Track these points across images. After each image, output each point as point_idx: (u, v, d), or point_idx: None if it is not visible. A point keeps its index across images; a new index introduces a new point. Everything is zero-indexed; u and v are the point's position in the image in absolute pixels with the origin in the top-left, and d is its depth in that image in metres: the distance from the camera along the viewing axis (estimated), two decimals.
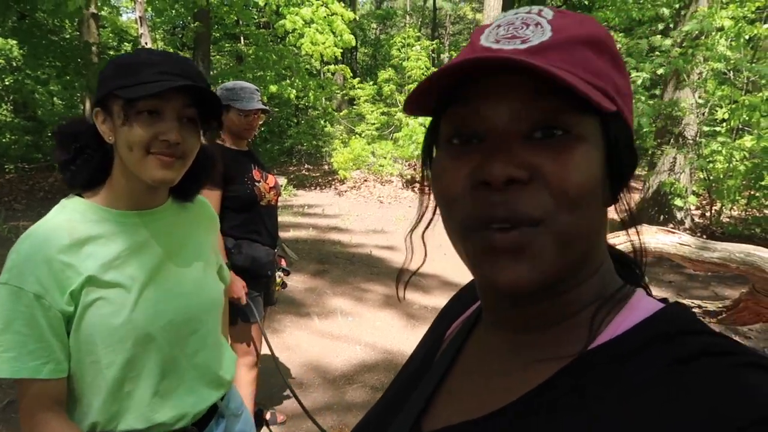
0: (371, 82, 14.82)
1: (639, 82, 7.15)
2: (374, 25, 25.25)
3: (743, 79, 7.71)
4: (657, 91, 9.06)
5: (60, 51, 11.96)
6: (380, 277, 5.77)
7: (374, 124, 13.63)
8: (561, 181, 0.44)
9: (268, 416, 2.99)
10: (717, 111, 8.00)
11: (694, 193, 8.40)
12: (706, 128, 8.22)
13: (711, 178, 8.19)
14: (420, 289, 5.36)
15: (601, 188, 0.47)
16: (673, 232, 3.96)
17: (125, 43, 17.10)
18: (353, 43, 12.00)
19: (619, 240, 3.89)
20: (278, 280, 2.74)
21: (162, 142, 1.05)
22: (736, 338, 4.18)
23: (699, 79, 7.88)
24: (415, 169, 11.83)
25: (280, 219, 2.77)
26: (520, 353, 0.52)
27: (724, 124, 7.97)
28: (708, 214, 8.79)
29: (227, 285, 1.46)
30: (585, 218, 0.46)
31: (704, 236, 7.26)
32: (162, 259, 1.16)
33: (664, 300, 0.51)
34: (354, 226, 8.55)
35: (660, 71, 7.37)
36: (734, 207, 9.01)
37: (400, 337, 4.12)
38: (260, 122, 2.64)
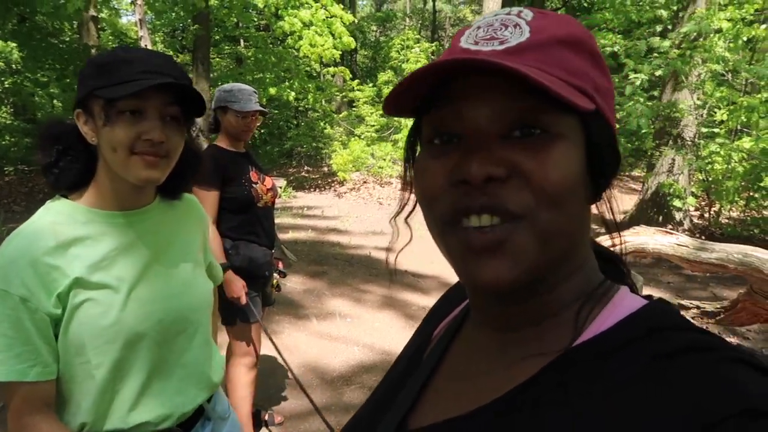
0: (371, 84, 14.85)
1: (638, 83, 7.15)
2: (374, 28, 25.28)
3: (742, 81, 7.73)
4: (656, 93, 9.07)
5: (59, 54, 11.99)
6: (379, 278, 5.77)
7: (374, 126, 13.64)
8: (540, 179, 0.45)
9: (266, 417, 2.99)
10: (715, 112, 8.01)
11: (692, 194, 8.41)
12: (704, 129, 8.23)
13: (710, 179, 8.20)
14: (418, 290, 5.37)
15: (581, 186, 0.48)
16: (671, 233, 3.97)
17: None
18: (353, 46, 12.02)
19: (617, 240, 3.89)
20: (274, 281, 2.74)
21: (145, 141, 1.04)
22: (735, 339, 4.20)
23: (697, 80, 7.89)
24: None
25: (279, 220, 2.78)
26: (505, 351, 0.53)
27: (723, 126, 7.98)
28: (707, 215, 8.79)
29: (218, 283, 1.45)
30: (565, 215, 0.46)
31: (703, 237, 7.26)
32: (150, 259, 1.15)
33: (648, 297, 0.52)
34: (353, 227, 8.55)
35: (658, 73, 7.37)
36: (733, 208, 9.02)
37: (398, 338, 4.12)
38: (258, 124, 2.65)
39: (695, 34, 7.25)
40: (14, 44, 12.94)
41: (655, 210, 8.51)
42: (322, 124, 15.47)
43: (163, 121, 1.06)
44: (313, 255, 6.58)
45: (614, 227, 0.56)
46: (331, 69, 13.49)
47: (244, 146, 2.68)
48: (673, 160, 8.29)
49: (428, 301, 5.00)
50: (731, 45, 7.18)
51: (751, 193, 8.47)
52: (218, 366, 1.33)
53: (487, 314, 0.56)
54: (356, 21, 14.85)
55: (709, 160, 7.88)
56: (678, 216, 8.35)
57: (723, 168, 7.82)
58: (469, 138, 0.48)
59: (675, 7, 8.53)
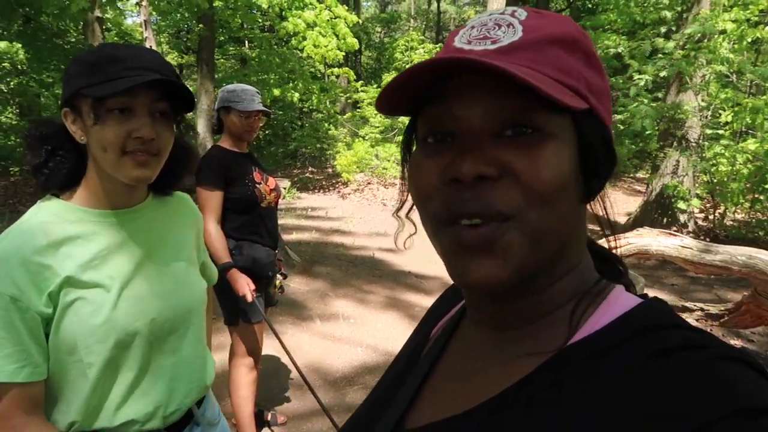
0: (375, 86, 14.87)
1: (642, 83, 7.13)
2: (378, 29, 25.29)
3: (746, 82, 7.70)
4: (660, 94, 9.05)
5: (65, 54, 12.03)
6: (382, 279, 5.77)
7: (378, 127, 13.66)
8: (531, 178, 0.45)
9: (269, 417, 3.00)
10: (720, 114, 7.98)
11: (697, 196, 8.37)
12: (709, 131, 8.20)
13: (714, 181, 8.16)
14: (421, 291, 5.37)
15: (573, 185, 0.48)
16: (675, 235, 3.96)
17: None
18: (356, 47, 12.04)
19: (621, 242, 3.89)
20: (277, 283, 2.75)
21: (136, 139, 1.03)
22: (739, 341, 4.18)
23: (702, 81, 7.86)
24: None
25: (283, 221, 2.79)
26: (501, 350, 0.53)
27: (728, 127, 7.95)
28: (711, 217, 8.76)
29: (212, 284, 1.44)
30: (556, 214, 0.47)
31: (707, 239, 7.24)
32: (142, 257, 1.14)
33: (643, 296, 0.52)
34: (357, 228, 8.56)
35: (663, 74, 7.36)
36: (738, 210, 8.99)
37: (401, 339, 4.10)
38: (261, 124, 2.66)
39: (700, 35, 7.24)
40: (19, 45, 13.01)
41: (659, 212, 8.49)
42: (326, 125, 15.50)
43: (153, 117, 1.05)
44: (316, 256, 6.59)
45: (608, 227, 0.56)
46: (335, 70, 13.51)
47: (248, 147, 2.70)
48: (678, 161, 8.27)
49: (431, 301, 4.94)
50: (736, 46, 7.16)
51: (756, 195, 8.43)
52: (210, 368, 1.32)
53: (482, 312, 0.56)
54: (360, 22, 14.88)
55: (714, 161, 7.86)
56: (682, 218, 8.32)
57: (728, 170, 7.79)
58: (462, 137, 0.48)
59: (679, 8, 8.51)
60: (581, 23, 9.35)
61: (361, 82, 15.04)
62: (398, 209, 0.59)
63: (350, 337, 4.26)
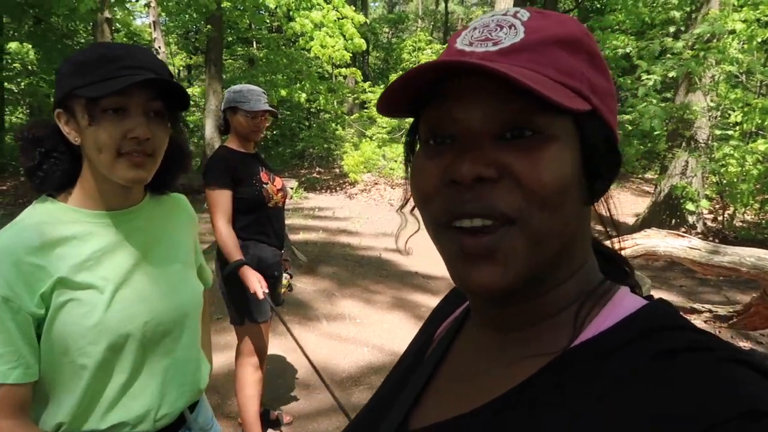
0: (382, 86, 14.87)
1: (650, 84, 7.09)
2: (386, 29, 25.29)
3: (756, 83, 7.64)
4: (669, 95, 9.00)
5: None
6: (389, 279, 5.77)
7: (385, 127, 13.67)
8: (531, 180, 0.45)
9: (275, 417, 3.00)
10: (729, 114, 7.93)
11: (706, 197, 8.32)
12: (718, 132, 8.14)
13: (724, 181, 8.11)
14: (428, 291, 5.37)
15: (576, 187, 0.48)
16: (683, 236, 3.94)
17: None
18: (364, 47, 12.05)
19: (628, 243, 3.87)
20: (285, 282, 2.75)
21: (131, 140, 1.01)
22: (747, 343, 4.15)
23: (711, 82, 7.81)
24: None
25: (290, 221, 2.80)
26: (505, 351, 0.53)
27: (737, 128, 7.90)
28: (720, 218, 8.70)
29: (207, 287, 1.43)
30: (558, 217, 0.46)
31: (716, 240, 7.19)
32: (137, 259, 1.13)
33: (648, 297, 0.52)
34: (364, 228, 8.56)
35: (672, 74, 7.31)
36: (747, 211, 8.92)
37: (407, 339, 4.07)
38: (267, 124, 2.67)
39: (709, 35, 7.19)
40: (30, 45, 13.12)
41: (667, 213, 8.44)
42: (333, 125, 15.52)
43: (147, 117, 1.04)
44: (323, 256, 6.60)
45: (613, 228, 0.56)
46: (343, 70, 13.53)
47: (255, 147, 2.70)
48: (687, 162, 8.22)
49: (437, 302, 4.97)
50: (745, 46, 7.11)
51: (766, 196, 8.37)
52: (204, 373, 1.30)
53: (486, 315, 0.56)
54: (368, 22, 14.89)
55: (723, 162, 7.80)
56: (691, 219, 8.27)
57: (737, 170, 7.73)
58: (461, 139, 0.48)
59: (688, 9, 8.46)
60: (589, 24, 9.32)
61: (368, 82, 15.05)
62: (401, 207, 0.60)
63: (356, 337, 4.26)
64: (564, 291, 0.51)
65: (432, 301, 5.01)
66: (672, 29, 8.90)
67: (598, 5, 16.13)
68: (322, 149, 15.59)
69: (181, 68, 21.13)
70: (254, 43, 16.90)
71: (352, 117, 15.58)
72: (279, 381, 3.48)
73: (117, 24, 12.37)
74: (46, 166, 1.07)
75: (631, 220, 9.02)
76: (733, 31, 7.00)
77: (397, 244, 0.67)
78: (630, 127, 8.08)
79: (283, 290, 2.76)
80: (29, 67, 14.37)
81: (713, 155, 7.91)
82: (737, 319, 3.93)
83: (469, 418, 0.50)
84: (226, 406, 3.22)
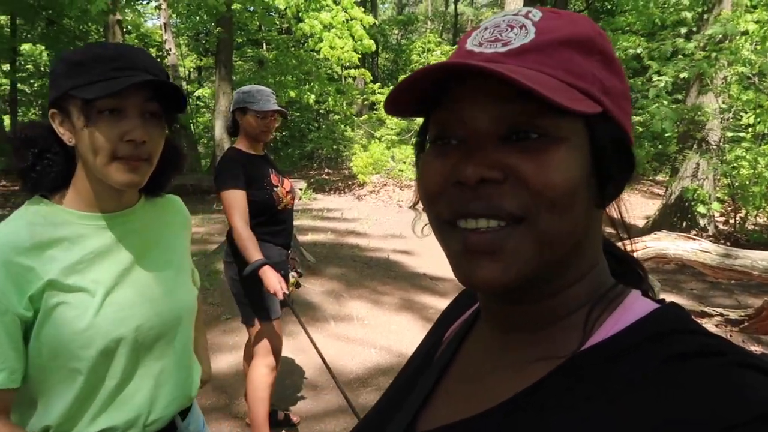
0: (392, 87, 14.85)
1: (661, 85, 7.04)
2: (396, 31, 25.32)
3: None
4: (680, 96, 8.94)
5: None
6: (397, 281, 5.77)
7: (394, 129, 13.68)
8: (538, 182, 0.45)
9: (281, 417, 3.01)
10: (742, 116, 7.86)
11: (718, 199, 8.25)
12: (730, 133, 8.07)
13: (736, 184, 8.04)
14: (436, 293, 5.36)
15: (585, 190, 0.47)
16: (694, 239, 3.91)
17: (150, 49, 17.43)
18: (373, 48, 12.07)
19: (638, 246, 3.84)
20: (292, 280, 2.75)
21: (128, 143, 1.00)
22: (759, 347, 4.11)
23: (723, 83, 7.75)
24: None
25: (298, 222, 2.80)
26: (514, 354, 0.53)
27: (750, 130, 7.82)
28: (732, 221, 8.62)
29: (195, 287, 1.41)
30: (567, 219, 0.46)
31: (728, 243, 7.12)
32: (130, 262, 1.11)
33: (660, 301, 0.52)
34: (372, 230, 8.57)
35: (683, 75, 7.26)
36: (760, 214, 8.83)
37: (415, 340, 4.07)
38: (276, 125, 2.67)
39: (721, 36, 7.13)
40: (43, 47, 13.25)
41: (678, 215, 8.38)
42: (342, 126, 15.56)
43: (144, 119, 1.02)
44: (331, 257, 6.61)
45: (624, 231, 0.56)
46: (352, 71, 13.56)
47: (264, 148, 2.71)
48: (698, 164, 8.16)
49: (445, 303, 4.94)
50: (758, 47, 7.04)
51: None
52: (196, 379, 1.29)
53: (495, 314, 0.56)
54: (377, 24, 14.92)
55: (735, 164, 7.73)
56: (702, 222, 8.21)
57: (749, 173, 7.67)
58: (468, 140, 0.48)
59: (700, 9, 8.39)
60: (600, 25, 9.24)
61: (378, 83, 15.07)
62: (413, 205, 0.59)
63: (364, 339, 4.26)
64: (574, 293, 0.51)
65: (440, 303, 5.00)
66: (683, 30, 8.84)
67: (609, 6, 16.06)
68: (331, 150, 15.63)
69: (191, 70, 21.27)
70: (264, 44, 16.99)
71: (361, 118, 15.61)
72: (286, 381, 3.48)
73: (128, 26, 12.47)
74: (39, 167, 1.04)
75: (641, 223, 8.97)
76: (745, 32, 6.93)
77: (413, 230, 0.66)
78: (641, 129, 8.03)
79: (290, 288, 2.76)
80: (42, 68, 14.51)
81: (725, 157, 7.85)
82: (749, 322, 3.89)
83: (479, 419, 0.50)
84: (234, 406, 3.23)
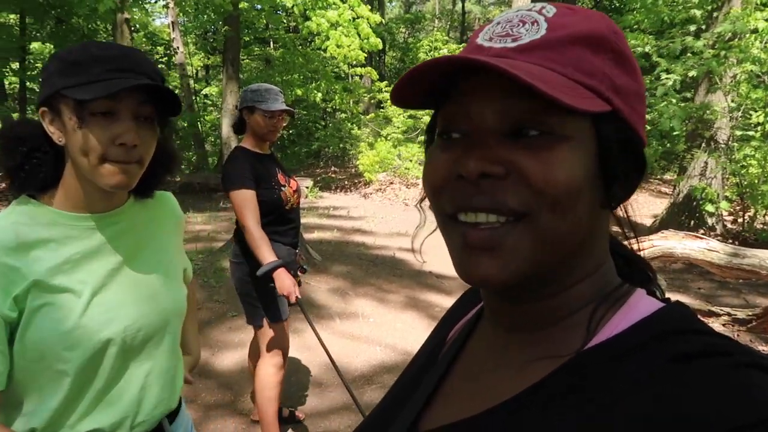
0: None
1: (669, 83, 7.00)
2: (403, 29, 25.29)
3: None
4: (688, 94, 8.88)
5: None
6: (403, 279, 5.77)
7: (400, 127, 13.68)
8: (540, 180, 0.44)
9: (286, 414, 3.01)
10: (751, 115, 7.79)
11: (726, 198, 8.19)
12: (738, 132, 8.01)
13: (744, 183, 7.98)
14: (442, 291, 5.35)
15: (589, 190, 0.47)
16: (701, 238, 3.88)
17: (158, 47, 17.51)
18: (380, 47, 12.06)
19: (645, 245, 3.83)
20: (297, 280, 2.75)
21: (119, 147, 0.98)
22: (767, 348, 4.07)
23: (732, 81, 7.69)
24: None
25: (305, 220, 2.80)
26: (518, 352, 0.53)
27: (759, 128, 7.76)
28: (741, 220, 8.56)
29: (187, 281, 1.39)
30: (569, 218, 0.46)
31: (736, 242, 7.08)
32: (118, 263, 1.10)
33: (666, 300, 0.51)
34: (378, 228, 8.57)
35: (692, 73, 7.21)
36: None
37: (420, 338, 4.07)
38: (284, 124, 2.65)
39: (730, 34, 7.07)
40: (52, 45, 13.31)
41: (686, 214, 8.32)
42: (349, 125, 15.57)
43: (137, 122, 1.01)
44: (337, 255, 6.61)
45: (630, 230, 0.55)
46: (358, 70, 13.56)
47: (270, 147, 2.70)
48: (706, 163, 8.10)
49: (451, 302, 4.94)
50: None
51: None
52: (180, 380, 1.28)
53: (497, 312, 0.56)
54: (384, 22, 14.90)
55: (744, 163, 7.67)
56: (710, 221, 8.15)
57: (758, 172, 7.60)
58: (472, 135, 0.48)
59: (709, 7, 8.33)
60: None
61: (384, 82, 15.06)
62: (420, 201, 0.60)
63: (369, 336, 4.27)
64: (578, 293, 0.51)
65: (445, 301, 5.00)
66: (692, 28, 8.77)
67: (617, 4, 15.98)
68: (338, 149, 15.65)
69: (199, 68, 21.34)
70: (271, 42, 17.02)
71: (367, 117, 15.61)
72: (292, 379, 3.49)
73: (136, 24, 12.52)
74: (28, 167, 1.02)
75: (648, 222, 8.92)
76: (755, 30, 6.87)
77: (413, 243, 0.67)
78: (649, 127, 7.97)
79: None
80: None
81: (733, 156, 7.79)
82: (756, 322, 3.86)
83: (483, 418, 0.50)
84: (239, 403, 3.24)
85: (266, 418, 2.61)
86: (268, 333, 2.59)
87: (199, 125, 15.95)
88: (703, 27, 8.56)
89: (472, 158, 0.46)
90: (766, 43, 6.96)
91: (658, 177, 13.68)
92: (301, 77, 13.43)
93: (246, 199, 2.41)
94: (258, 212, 2.44)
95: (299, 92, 12.34)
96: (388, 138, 13.33)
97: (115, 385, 1.09)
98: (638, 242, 0.59)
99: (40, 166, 1.03)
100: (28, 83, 14.61)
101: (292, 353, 3.70)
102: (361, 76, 14.84)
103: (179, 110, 1.07)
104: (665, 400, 0.39)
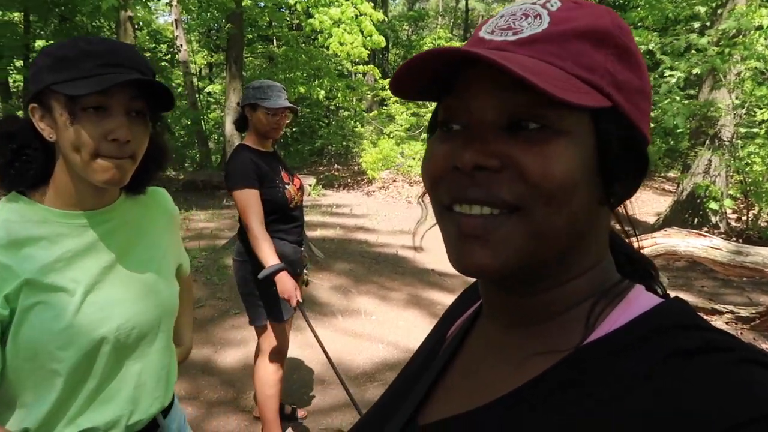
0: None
1: (673, 81, 6.98)
2: (406, 26, 25.23)
3: None
4: (692, 92, 8.85)
5: None
6: (405, 276, 5.77)
7: (403, 125, 13.67)
8: (535, 173, 0.44)
9: (288, 411, 3.02)
10: (755, 112, 7.76)
11: (730, 196, 8.16)
12: (743, 129, 7.98)
13: (748, 180, 7.94)
14: (444, 289, 5.35)
15: (586, 186, 0.46)
16: (704, 236, 3.87)
17: (161, 45, 17.52)
18: (383, 44, 12.05)
19: (648, 242, 3.82)
20: (303, 278, 2.75)
21: (112, 142, 0.97)
22: None
23: (736, 79, 7.66)
24: None
25: (308, 218, 2.78)
26: (516, 348, 0.53)
27: (763, 126, 7.72)
28: (745, 218, 8.53)
29: (185, 274, 1.38)
30: (564, 214, 0.46)
31: (740, 240, 7.05)
32: (110, 260, 1.09)
33: (665, 296, 0.51)
34: (381, 226, 8.57)
35: (696, 70, 7.18)
36: None
37: (422, 336, 4.03)
38: (287, 121, 2.61)
39: (735, 30, 7.04)
40: None
41: (690, 212, 8.30)
42: (352, 122, 15.56)
43: (129, 117, 1.00)
44: (340, 252, 6.61)
45: (630, 227, 0.55)
46: (360, 67, 13.55)
47: (273, 145, 2.67)
48: (710, 160, 8.08)
49: (453, 299, 4.97)
50: None
51: None
52: (174, 376, 1.27)
53: (494, 306, 0.56)
54: (387, 20, 14.88)
55: (748, 161, 7.64)
56: (714, 219, 8.13)
57: (762, 169, 7.57)
58: (470, 127, 0.48)
59: (713, 4, 8.29)
60: None
61: (387, 79, 15.00)
62: (422, 196, 0.60)
63: (372, 334, 4.27)
64: (576, 288, 0.50)
65: (448, 299, 5.00)
66: (697, 25, 8.73)
67: (621, 1, 15.90)
68: (341, 146, 15.65)
69: (202, 66, 21.36)
70: (274, 40, 17.01)
71: (370, 114, 15.60)
72: (294, 376, 3.50)
73: (139, 22, 12.53)
74: (18, 164, 1.01)
75: (652, 219, 8.90)
76: (760, 27, 6.84)
77: (414, 239, 0.67)
78: (652, 125, 7.94)
79: (301, 287, 2.75)
80: None
81: (738, 153, 7.76)
82: (760, 320, 3.85)
83: (481, 412, 0.50)
84: (242, 400, 3.25)
85: (267, 416, 2.61)
86: (269, 333, 2.59)
87: (203, 123, 15.97)
88: (708, 24, 8.53)
89: (468, 150, 0.46)
90: None
91: (662, 175, 13.64)
92: (305, 75, 13.43)
93: (249, 199, 2.39)
94: (261, 212, 2.42)
95: (302, 90, 12.35)
96: (391, 136, 13.32)
97: (108, 383, 1.08)
98: (638, 240, 0.59)
99: (30, 163, 1.01)
100: None
101: (294, 351, 3.72)
102: (364, 74, 14.84)
103: (172, 105, 1.05)
104: (665, 395, 0.38)
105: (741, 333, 4.01)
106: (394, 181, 12.48)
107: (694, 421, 0.36)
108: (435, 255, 6.02)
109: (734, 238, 7.46)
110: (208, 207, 9.74)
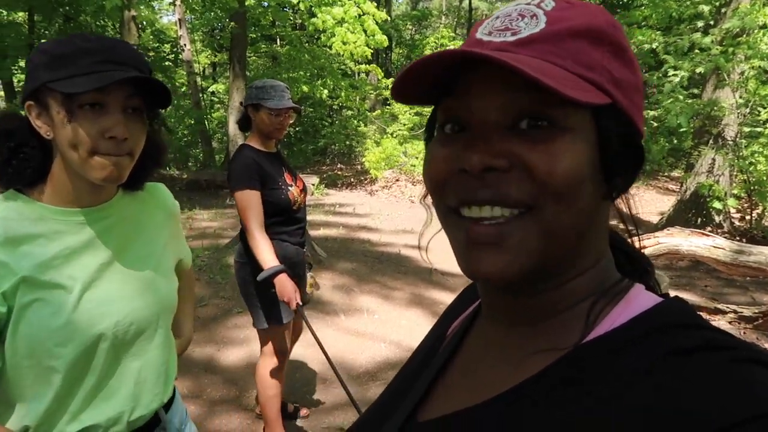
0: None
1: (676, 80, 6.95)
2: (409, 26, 25.20)
3: None
4: (696, 91, 8.82)
5: None
6: (408, 276, 5.77)
7: (406, 124, 13.66)
8: (543, 171, 0.45)
9: (291, 410, 3.03)
10: (759, 111, 7.73)
11: (733, 195, 8.13)
12: (746, 129, 7.95)
13: (752, 180, 7.92)
14: (446, 288, 5.35)
15: (591, 181, 0.47)
16: (707, 235, 3.86)
17: (165, 45, 17.55)
18: (386, 44, 12.03)
19: (650, 242, 3.81)
20: (310, 281, 2.72)
21: (109, 140, 0.97)
22: None
23: (740, 78, 7.63)
24: None
25: (311, 217, 2.77)
26: (515, 346, 0.53)
27: (767, 125, 7.70)
28: (748, 217, 8.50)
29: (186, 267, 1.38)
30: (571, 211, 0.46)
31: (744, 240, 7.03)
32: (108, 257, 1.09)
33: (664, 295, 0.51)
34: (384, 225, 8.56)
35: (699, 70, 7.16)
36: None
37: (425, 335, 4.09)
38: (291, 121, 2.57)
39: (738, 29, 7.02)
40: None
41: (693, 211, 8.27)
42: (355, 122, 15.55)
43: (126, 114, 1.00)
44: (343, 252, 6.62)
45: (633, 226, 0.56)
46: (363, 66, 13.55)
47: (276, 145, 2.64)
48: (713, 160, 8.04)
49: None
50: None
51: None
52: (173, 372, 1.28)
53: (496, 307, 0.56)
54: (390, 19, 14.88)
55: (752, 160, 7.61)
56: (718, 218, 8.10)
57: (766, 169, 7.54)
58: (474, 128, 0.48)
59: (717, 3, 8.26)
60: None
61: (391, 79, 15.03)
62: (423, 197, 0.60)
63: (374, 333, 4.27)
64: (576, 287, 0.51)
65: (450, 298, 4.94)
66: (700, 24, 8.70)
67: (625, 0, 15.87)
68: (344, 146, 15.65)
69: (206, 65, 21.37)
70: (277, 40, 17.01)
71: (373, 114, 15.58)
72: (296, 375, 3.51)
73: (143, 22, 12.55)
74: (15, 162, 1.00)
75: (655, 219, 8.87)
76: (764, 26, 6.82)
77: (420, 241, 0.68)
78: (656, 124, 7.93)
79: (310, 289, 2.73)
80: None
81: (741, 153, 7.73)
82: (763, 320, 3.85)
83: (480, 409, 0.50)
84: (244, 399, 3.26)
85: (270, 415, 2.62)
86: (269, 335, 2.58)
87: (206, 122, 15.98)
88: (711, 23, 8.50)
89: (475, 152, 0.46)
90: None
91: (666, 174, 13.60)
92: (308, 74, 13.43)
93: (250, 200, 2.37)
94: (261, 213, 2.40)
95: (305, 89, 12.35)
96: (395, 135, 13.31)
97: (108, 380, 1.09)
98: (640, 240, 0.59)
99: (27, 160, 1.01)
100: None
101: (297, 349, 3.71)
102: (367, 73, 14.83)
103: (169, 102, 1.05)
104: (665, 392, 0.39)
105: (744, 332, 4.00)
106: (397, 180, 12.48)
107: (695, 420, 0.36)
108: (438, 255, 6.01)
109: (738, 238, 7.43)
110: (211, 206, 9.76)
